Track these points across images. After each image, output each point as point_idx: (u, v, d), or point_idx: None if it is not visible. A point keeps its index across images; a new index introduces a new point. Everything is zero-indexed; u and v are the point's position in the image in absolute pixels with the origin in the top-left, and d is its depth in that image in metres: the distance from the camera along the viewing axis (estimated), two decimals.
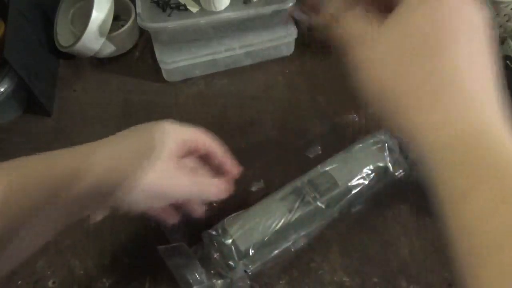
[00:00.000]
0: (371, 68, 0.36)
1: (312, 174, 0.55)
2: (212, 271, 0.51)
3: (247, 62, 0.74)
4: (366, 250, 0.55)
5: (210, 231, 0.52)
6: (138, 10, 0.68)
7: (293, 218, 0.52)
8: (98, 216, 0.44)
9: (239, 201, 0.56)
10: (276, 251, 0.51)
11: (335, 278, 0.54)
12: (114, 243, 0.56)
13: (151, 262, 0.54)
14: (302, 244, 0.53)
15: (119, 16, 0.75)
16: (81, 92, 0.72)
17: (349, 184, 0.54)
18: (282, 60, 0.74)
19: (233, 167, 0.50)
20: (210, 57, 0.70)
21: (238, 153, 0.64)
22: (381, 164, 0.56)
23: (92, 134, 0.67)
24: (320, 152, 0.60)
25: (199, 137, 0.47)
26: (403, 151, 0.59)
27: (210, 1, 0.67)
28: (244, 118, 0.68)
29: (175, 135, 0.44)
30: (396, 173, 0.56)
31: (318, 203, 0.53)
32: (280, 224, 0.51)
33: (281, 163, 0.61)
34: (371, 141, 0.58)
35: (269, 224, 0.51)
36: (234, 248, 0.50)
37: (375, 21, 0.34)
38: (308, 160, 0.60)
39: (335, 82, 0.71)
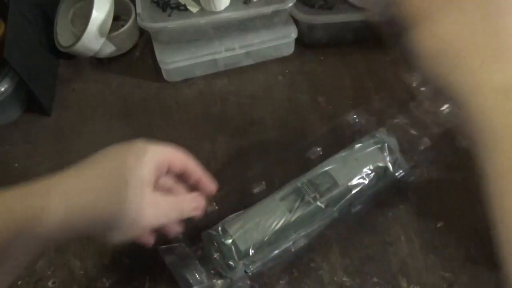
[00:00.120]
0: (435, 24, 0.35)
1: (312, 174, 0.55)
2: (212, 271, 0.51)
3: (247, 62, 0.73)
4: (366, 250, 0.55)
5: (210, 231, 0.52)
6: (138, 10, 0.68)
7: (293, 218, 0.52)
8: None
9: (240, 202, 0.56)
10: (276, 251, 0.51)
11: (335, 278, 0.54)
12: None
13: (151, 262, 0.54)
14: (302, 244, 0.53)
15: (119, 16, 0.75)
16: (81, 92, 0.72)
17: (349, 184, 0.54)
18: (282, 60, 0.74)
19: (209, 183, 0.49)
20: (210, 57, 0.70)
21: (238, 153, 0.64)
22: (381, 164, 0.56)
23: (92, 134, 0.67)
24: (320, 153, 0.60)
25: (173, 156, 0.45)
26: (403, 151, 0.59)
27: (210, 1, 0.67)
28: (244, 118, 0.68)
29: (149, 159, 0.42)
30: (396, 173, 0.56)
31: (318, 203, 0.53)
32: (280, 224, 0.51)
33: (282, 164, 0.61)
34: (371, 141, 0.58)
35: (269, 224, 0.51)
36: (234, 248, 0.50)
37: None
38: (309, 161, 0.60)
39: (335, 82, 0.71)
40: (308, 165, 0.57)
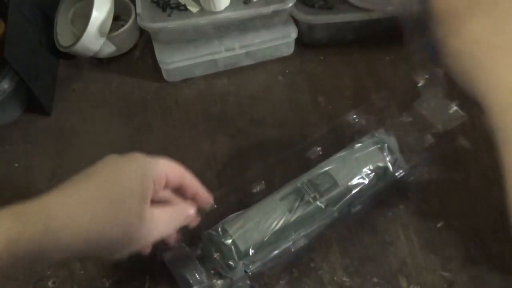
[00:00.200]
0: (462, 23, 0.37)
1: (312, 174, 0.55)
2: (212, 271, 0.51)
3: (247, 62, 0.73)
4: (366, 250, 0.55)
5: (210, 231, 0.52)
6: (138, 10, 0.68)
7: (293, 218, 0.52)
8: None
9: (240, 201, 0.56)
10: (276, 251, 0.51)
11: (335, 278, 0.54)
12: None
13: (151, 262, 0.54)
14: (302, 244, 0.53)
15: (119, 16, 0.75)
16: (81, 92, 0.72)
17: (349, 184, 0.54)
18: (282, 60, 0.74)
19: (205, 196, 0.49)
20: (210, 57, 0.70)
21: (238, 153, 0.64)
22: (381, 164, 0.56)
23: (92, 134, 0.67)
24: (320, 153, 0.60)
25: (171, 170, 0.45)
26: (404, 150, 0.59)
27: (210, 1, 0.67)
28: (244, 118, 0.68)
29: (147, 175, 0.41)
30: (396, 173, 0.56)
31: (318, 203, 0.53)
32: (280, 224, 0.51)
33: (282, 164, 0.61)
34: (371, 141, 0.58)
35: (269, 224, 0.51)
36: (234, 248, 0.50)
37: None
38: (309, 161, 0.60)
39: (335, 82, 0.71)
40: (308, 165, 0.57)
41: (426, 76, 0.63)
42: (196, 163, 0.62)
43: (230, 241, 0.50)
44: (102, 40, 0.69)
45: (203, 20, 0.68)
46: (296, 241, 0.52)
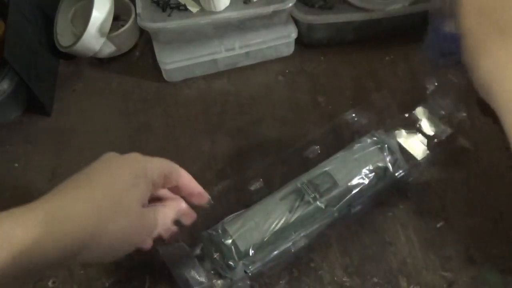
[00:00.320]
0: (492, 43, 0.44)
1: (312, 174, 0.55)
2: (212, 271, 0.51)
3: (247, 62, 0.74)
4: (366, 250, 0.56)
5: (209, 231, 0.52)
6: (138, 10, 0.68)
7: (293, 218, 0.52)
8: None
9: (238, 200, 0.57)
10: (276, 251, 0.51)
11: (335, 278, 0.54)
12: None
13: (151, 262, 0.54)
14: (302, 244, 0.53)
15: (119, 16, 0.75)
16: (81, 92, 0.72)
17: (349, 184, 0.54)
18: (282, 60, 0.74)
19: (202, 195, 0.49)
20: (210, 57, 0.70)
21: (238, 153, 0.64)
22: (380, 164, 0.56)
23: (92, 134, 0.67)
24: (319, 152, 0.60)
25: (168, 171, 0.45)
26: (403, 151, 0.59)
27: (210, 1, 0.67)
28: (244, 118, 0.68)
29: (144, 176, 0.42)
30: (396, 173, 0.56)
31: (318, 203, 0.53)
32: (280, 224, 0.51)
33: (280, 162, 0.61)
34: (371, 141, 0.58)
35: (269, 224, 0.51)
36: (234, 248, 0.50)
37: None
38: (307, 160, 0.60)
39: (335, 82, 0.71)
40: (306, 163, 0.58)
41: (436, 84, 0.63)
42: (196, 163, 0.62)
43: (230, 241, 0.50)
44: (102, 40, 0.69)
45: (203, 20, 0.68)
46: (296, 241, 0.52)
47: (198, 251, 0.52)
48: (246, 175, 0.59)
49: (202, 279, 0.49)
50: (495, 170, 0.61)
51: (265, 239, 0.51)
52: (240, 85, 0.72)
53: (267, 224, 0.51)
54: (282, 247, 0.51)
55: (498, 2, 0.45)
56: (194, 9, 0.69)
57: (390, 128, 0.61)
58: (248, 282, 0.51)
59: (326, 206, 0.53)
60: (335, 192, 0.54)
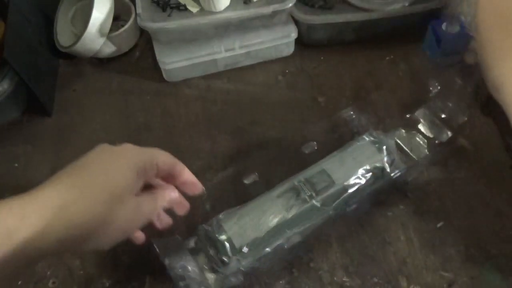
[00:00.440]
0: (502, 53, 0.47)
1: (309, 172, 0.55)
2: (205, 266, 0.51)
3: (247, 62, 0.74)
4: (366, 250, 0.55)
5: (205, 226, 0.52)
6: (138, 10, 0.68)
7: (289, 216, 0.52)
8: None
9: (233, 193, 0.57)
10: (270, 248, 0.51)
11: (335, 278, 0.54)
12: None
13: (151, 262, 0.54)
14: (296, 241, 0.53)
15: (119, 16, 0.75)
16: (81, 92, 0.72)
17: (346, 183, 0.54)
18: (282, 60, 0.74)
19: (195, 185, 0.49)
20: (210, 57, 0.70)
21: (238, 153, 0.64)
22: (378, 164, 0.56)
23: (92, 134, 0.67)
24: (316, 148, 0.60)
25: (161, 160, 0.45)
26: (402, 151, 0.59)
27: (210, 1, 0.67)
28: (244, 118, 0.68)
29: (137, 166, 0.42)
30: (393, 174, 0.56)
31: (314, 202, 0.53)
32: (276, 221, 0.51)
33: (276, 157, 0.61)
34: (369, 140, 0.58)
35: (265, 221, 0.51)
36: (229, 244, 0.50)
37: None
38: (303, 156, 0.60)
39: (335, 82, 0.71)
40: (303, 160, 0.58)
41: (439, 87, 0.63)
42: (196, 163, 0.62)
43: (225, 237, 0.50)
44: (102, 40, 0.69)
45: (203, 20, 0.68)
46: (290, 238, 0.52)
47: (192, 244, 0.52)
48: (241, 168, 0.59)
49: (195, 272, 0.49)
50: (495, 170, 0.61)
51: (260, 236, 0.51)
52: (240, 85, 0.72)
53: (262, 221, 0.51)
54: (276, 244, 0.51)
55: None
56: (194, 9, 0.69)
57: (390, 128, 0.62)
58: (241, 278, 0.51)
59: (322, 205, 0.53)
60: (331, 191, 0.54)
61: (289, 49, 0.74)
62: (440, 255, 0.55)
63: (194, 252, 0.51)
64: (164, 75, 0.72)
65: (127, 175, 0.41)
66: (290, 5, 0.68)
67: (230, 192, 0.58)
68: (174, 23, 0.67)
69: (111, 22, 0.69)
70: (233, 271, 0.50)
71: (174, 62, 0.69)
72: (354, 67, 0.73)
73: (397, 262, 0.54)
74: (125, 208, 0.41)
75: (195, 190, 0.49)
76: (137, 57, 0.76)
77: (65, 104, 0.71)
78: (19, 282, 0.54)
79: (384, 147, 0.56)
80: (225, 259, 0.49)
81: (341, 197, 0.54)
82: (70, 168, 0.41)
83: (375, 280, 0.53)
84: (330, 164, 0.56)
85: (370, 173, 0.55)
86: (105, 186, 0.40)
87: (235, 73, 0.73)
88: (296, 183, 0.54)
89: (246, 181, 0.58)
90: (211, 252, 0.50)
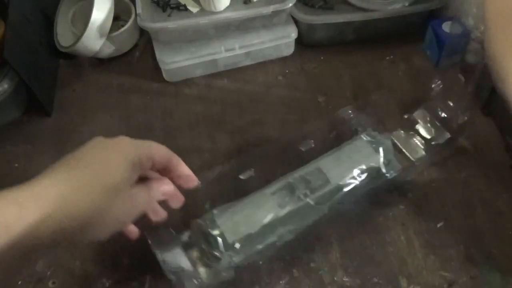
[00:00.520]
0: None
1: (304, 170, 0.55)
2: (198, 260, 0.51)
3: (247, 62, 0.74)
4: (366, 250, 0.55)
5: (199, 220, 0.52)
6: (138, 10, 0.68)
7: (283, 213, 0.52)
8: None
9: (229, 188, 0.57)
10: (262, 245, 0.51)
11: (335, 278, 0.54)
12: (114, 243, 0.56)
13: (151, 262, 0.54)
14: (288, 238, 0.53)
15: (119, 16, 0.75)
16: (81, 92, 0.72)
17: (341, 182, 0.54)
18: (282, 60, 0.74)
19: (190, 178, 0.49)
20: (210, 57, 0.70)
21: (238, 153, 0.64)
22: (373, 164, 0.56)
23: (92, 134, 0.67)
24: (313, 145, 0.60)
25: (156, 152, 0.46)
26: (400, 152, 0.59)
27: (210, 1, 0.67)
28: (244, 118, 0.68)
29: (133, 158, 0.42)
30: (388, 174, 0.56)
31: (308, 200, 0.53)
32: (270, 218, 0.52)
33: (272, 154, 0.61)
34: (366, 140, 0.58)
35: (258, 217, 0.51)
36: (221, 239, 0.50)
37: None
38: (300, 153, 0.60)
39: (335, 82, 0.71)
40: (299, 156, 0.58)
41: (441, 85, 0.63)
42: (196, 163, 0.62)
43: (218, 232, 0.50)
44: (102, 40, 0.69)
45: (203, 20, 0.68)
46: (283, 236, 0.52)
47: (186, 238, 0.52)
48: (237, 164, 0.59)
49: (186, 265, 0.49)
50: (495, 170, 0.61)
51: (253, 232, 0.51)
52: (240, 85, 0.72)
53: (256, 218, 0.51)
54: (269, 241, 0.52)
55: None
56: (194, 9, 0.69)
57: (388, 128, 0.62)
58: (233, 273, 0.51)
59: (316, 203, 0.53)
60: (326, 189, 0.54)
61: (289, 49, 0.74)
62: (440, 255, 0.55)
63: (187, 246, 0.52)
64: (164, 75, 0.72)
65: (122, 166, 0.42)
66: (290, 5, 0.68)
67: (229, 188, 0.58)
68: (174, 23, 0.67)
69: (111, 22, 0.69)
70: (225, 266, 0.50)
71: (174, 62, 0.69)
72: (354, 67, 0.73)
73: (397, 262, 0.54)
74: (121, 199, 0.41)
75: (191, 184, 0.49)
76: (137, 57, 0.76)
77: (65, 104, 0.71)
78: (19, 282, 0.54)
79: (381, 147, 0.56)
80: (217, 254, 0.50)
81: (336, 196, 0.54)
82: (67, 160, 0.41)
83: (375, 280, 0.53)
84: (326, 162, 0.56)
85: (366, 173, 0.55)
86: (102, 178, 0.40)
87: (235, 73, 0.73)
88: (291, 180, 0.54)
89: (242, 177, 0.58)
90: (204, 246, 0.51)
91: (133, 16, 0.73)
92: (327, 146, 0.58)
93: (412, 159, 0.59)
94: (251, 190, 0.55)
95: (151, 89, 0.72)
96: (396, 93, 0.69)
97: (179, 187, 0.49)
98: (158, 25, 0.67)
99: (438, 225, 0.57)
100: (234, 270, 0.51)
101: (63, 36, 0.73)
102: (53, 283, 0.54)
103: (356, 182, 0.55)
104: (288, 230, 0.52)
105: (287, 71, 0.73)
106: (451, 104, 0.62)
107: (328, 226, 0.57)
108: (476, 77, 0.65)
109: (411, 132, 0.62)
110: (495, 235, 0.56)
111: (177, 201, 0.49)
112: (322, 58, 0.75)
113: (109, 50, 0.72)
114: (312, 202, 0.53)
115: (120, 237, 0.56)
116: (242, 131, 0.66)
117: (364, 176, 0.55)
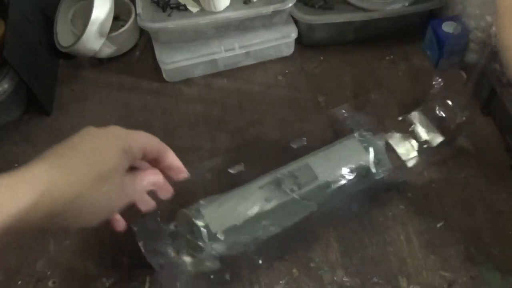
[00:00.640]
0: None
1: (293, 166, 0.56)
2: (182, 249, 0.51)
3: (247, 62, 0.74)
4: (366, 250, 0.55)
5: (185, 210, 0.52)
6: (138, 10, 0.68)
7: (269, 207, 0.52)
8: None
9: (219, 181, 0.58)
10: (246, 237, 0.51)
11: (335, 278, 0.54)
12: (114, 243, 0.56)
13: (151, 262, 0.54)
14: (273, 233, 0.53)
15: (119, 16, 0.75)
16: (81, 92, 0.72)
17: (329, 179, 0.54)
18: (282, 60, 0.74)
19: (180, 168, 0.49)
20: (210, 57, 0.70)
21: (238, 153, 0.64)
22: (363, 163, 0.56)
23: None
24: (305, 143, 0.61)
25: (147, 142, 0.46)
26: (392, 153, 0.59)
27: (210, 1, 0.67)
28: (244, 118, 0.68)
29: (124, 147, 0.43)
30: (378, 173, 0.56)
31: (294, 195, 0.53)
32: (255, 211, 0.52)
33: (263, 150, 0.61)
34: (357, 140, 0.58)
35: (244, 210, 0.52)
36: (206, 229, 0.50)
37: None
38: (291, 150, 0.60)
39: (335, 82, 0.71)
40: (290, 153, 0.58)
41: (442, 84, 0.63)
42: (196, 163, 0.62)
43: (202, 222, 0.51)
44: (102, 40, 0.69)
45: (203, 20, 0.68)
46: (268, 229, 0.52)
47: (172, 227, 0.52)
48: (226, 158, 0.60)
49: (171, 254, 0.50)
50: (495, 170, 0.61)
51: (237, 224, 0.51)
52: (240, 85, 0.72)
53: (242, 210, 0.52)
54: (254, 234, 0.52)
55: None
56: (194, 9, 0.69)
57: (388, 128, 0.62)
58: (218, 263, 0.51)
59: (302, 199, 0.53)
60: (313, 186, 0.54)
61: (289, 49, 0.74)
62: (440, 255, 0.55)
63: (173, 235, 0.52)
64: (164, 75, 0.72)
65: (114, 154, 0.42)
66: (290, 5, 0.68)
67: (215, 180, 0.59)
68: (174, 23, 0.67)
69: (111, 22, 0.69)
70: (209, 256, 0.50)
71: (174, 62, 0.69)
72: (354, 67, 0.73)
73: (397, 262, 0.54)
74: (111, 186, 0.42)
75: (180, 175, 0.49)
76: (137, 57, 0.76)
77: (64, 104, 0.71)
78: (19, 282, 0.54)
79: (371, 147, 0.57)
80: (201, 244, 0.50)
81: (324, 193, 0.54)
82: (58, 147, 0.42)
83: (375, 280, 0.53)
84: (315, 159, 0.56)
85: (355, 172, 0.55)
86: (93, 165, 0.41)
87: (235, 73, 0.73)
88: (279, 175, 0.55)
89: (231, 171, 0.59)
90: (189, 236, 0.51)
91: (133, 16, 0.73)
92: (319, 144, 0.59)
93: (405, 160, 0.60)
94: (241, 184, 0.55)
95: (151, 89, 0.72)
96: (396, 93, 0.69)
97: (169, 178, 0.49)
98: (158, 25, 0.67)
99: (438, 225, 0.57)
100: (218, 260, 0.51)
101: (63, 36, 0.73)
102: (53, 283, 0.54)
103: (344, 180, 0.55)
104: (273, 224, 0.53)
105: (287, 71, 0.73)
106: (450, 103, 0.62)
107: (328, 226, 0.57)
108: (476, 77, 0.65)
109: (406, 134, 0.62)
110: (495, 235, 0.56)
111: (166, 192, 0.49)
112: (322, 58, 0.75)
113: (109, 50, 0.72)
114: (298, 198, 0.53)
115: (120, 237, 0.56)
116: (242, 131, 0.66)
117: (353, 174, 0.55)
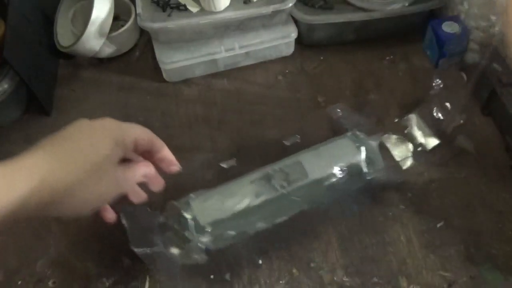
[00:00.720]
0: None
1: (284, 162, 0.56)
2: (170, 240, 0.51)
3: (247, 62, 0.74)
4: (366, 250, 0.55)
5: (174, 202, 0.53)
6: (138, 10, 0.68)
7: (257, 202, 0.52)
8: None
9: (209, 176, 0.58)
10: (234, 231, 0.52)
11: (335, 278, 0.54)
12: (114, 243, 0.56)
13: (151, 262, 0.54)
14: (261, 228, 0.53)
15: (119, 16, 0.75)
16: (81, 92, 0.72)
17: (319, 177, 0.54)
18: (282, 60, 0.74)
19: (172, 161, 0.50)
20: (210, 57, 0.70)
21: (238, 153, 0.64)
22: (354, 162, 0.56)
23: None
24: (298, 141, 0.61)
25: (140, 134, 0.47)
26: (386, 154, 0.60)
27: (210, 1, 0.67)
28: (244, 118, 0.68)
29: (116, 138, 0.44)
30: (369, 172, 0.56)
31: (284, 191, 0.53)
32: (244, 206, 0.52)
33: (255, 145, 0.62)
34: (350, 139, 0.58)
35: (232, 204, 0.52)
36: (194, 222, 0.51)
37: None
38: (284, 147, 0.61)
39: (335, 82, 0.71)
40: (283, 150, 0.59)
41: (441, 85, 0.63)
42: (196, 163, 0.62)
43: (190, 215, 0.51)
44: (102, 40, 0.69)
45: (203, 20, 0.68)
46: (256, 224, 0.53)
47: (161, 219, 0.53)
48: (218, 152, 0.61)
49: (158, 245, 0.50)
50: (495, 170, 0.61)
51: (225, 218, 0.51)
52: (240, 85, 0.72)
53: (230, 204, 0.52)
54: (242, 228, 0.52)
55: None
56: (194, 9, 0.69)
57: (382, 129, 0.62)
58: (205, 256, 0.51)
59: (292, 195, 0.53)
60: (303, 183, 0.54)
61: (289, 49, 0.74)
62: (440, 255, 0.55)
63: (162, 226, 0.52)
64: (164, 75, 0.72)
65: (107, 145, 0.43)
66: (290, 5, 0.68)
67: (207, 174, 0.60)
68: (174, 23, 0.67)
69: (111, 22, 0.69)
70: (196, 249, 0.50)
71: (174, 62, 0.69)
72: (354, 67, 0.73)
73: (397, 262, 0.54)
74: (103, 176, 0.42)
75: (172, 168, 0.50)
76: (137, 57, 0.76)
77: (64, 103, 0.71)
78: (19, 282, 0.54)
79: (364, 147, 0.57)
80: (188, 236, 0.50)
81: (314, 191, 0.54)
82: (52, 139, 0.42)
83: (375, 280, 0.53)
84: (306, 157, 0.56)
85: (346, 170, 0.55)
86: (86, 155, 0.41)
87: (235, 73, 0.73)
88: (270, 171, 0.55)
89: (223, 165, 0.59)
90: (177, 227, 0.51)
91: (133, 16, 0.73)
92: (313, 142, 0.59)
93: (399, 162, 0.60)
94: (232, 179, 0.55)
95: (151, 89, 0.72)
96: (396, 93, 0.69)
97: (161, 171, 0.49)
98: (158, 25, 0.67)
99: (438, 225, 0.57)
100: (206, 254, 0.51)
101: (63, 36, 0.73)
102: (53, 283, 0.54)
103: (335, 178, 0.55)
104: (261, 219, 0.53)
105: (287, 71, 0.73)
106: (449, 106, 0.62)
107: (328, 226, 0.57)
108: (476, 77, 0.65)
109: (402, 136, 0.62)
110: (495, 235, 0.56)
111: (158, 184, 0.50)
112: (322, 58, 0.75)
113: (109, 50, 0.72)
114: (288, 194, 0.53)
115: (121, 237, 0.56)
116: (242, 131, 0.66)
117: (343, 173, 0.55)
